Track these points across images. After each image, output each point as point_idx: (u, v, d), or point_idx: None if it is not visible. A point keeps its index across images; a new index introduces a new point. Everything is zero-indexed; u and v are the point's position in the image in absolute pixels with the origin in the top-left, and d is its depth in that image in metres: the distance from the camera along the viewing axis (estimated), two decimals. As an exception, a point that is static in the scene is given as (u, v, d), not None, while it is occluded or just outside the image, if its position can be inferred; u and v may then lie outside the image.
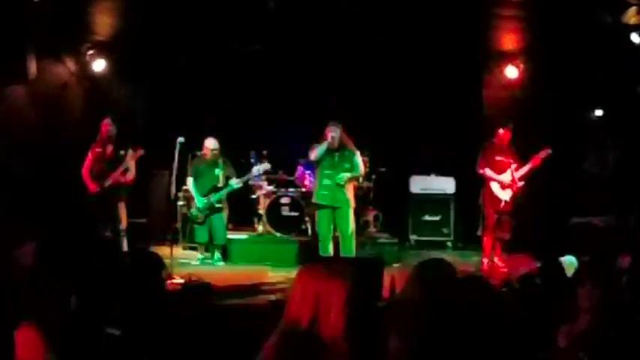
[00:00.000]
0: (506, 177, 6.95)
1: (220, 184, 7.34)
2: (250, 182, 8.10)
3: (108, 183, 6.69)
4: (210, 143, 7.33)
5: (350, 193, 6.77)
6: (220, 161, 7.38)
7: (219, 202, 7.37)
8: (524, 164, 6.92)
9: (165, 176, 7.61)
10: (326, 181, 6.68)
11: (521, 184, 6.93)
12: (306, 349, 1.95)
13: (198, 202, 7.33)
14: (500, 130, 6.95)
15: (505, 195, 6.96)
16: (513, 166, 6.94)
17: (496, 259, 7.11)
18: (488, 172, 6.97)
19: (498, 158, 6.97)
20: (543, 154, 6.82)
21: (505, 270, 6.81)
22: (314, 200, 6.87)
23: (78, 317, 2.36)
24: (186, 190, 7.59)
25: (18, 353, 2.24)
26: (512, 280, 5.85)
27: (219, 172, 7.35)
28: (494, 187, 6.99)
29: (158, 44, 7.96)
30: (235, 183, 7.35)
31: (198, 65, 8.62)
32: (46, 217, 6.85)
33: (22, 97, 6.84)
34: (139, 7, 7.03)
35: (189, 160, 7.51)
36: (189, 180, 7.39)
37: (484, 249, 7.15)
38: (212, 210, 7.34)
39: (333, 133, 6.55)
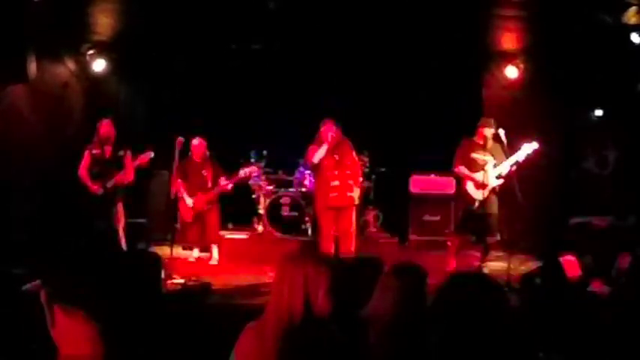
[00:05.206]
0: (480, 176, 6.47)
1: (208, 185, 7.36)
2: (250, 182, 8.10)
3: (111, 184, 6.66)
4: (199, 143, 7.36)
5: (355, 192, 6.75)
6: (208, 162, 7.40)
7: (209, 202, 7.36)
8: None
9: (165, 176, 7.61)
10: (334, 182, 6.65)
11: (499, 182, 6.46)
12: (312, 335, 2.03)
13: (187, 202, 7.33)
14: (482, 128, 6.54)
15: (479, 195, 6.48)
16: (491, 164, 6.46)
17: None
18: (463, 169, 6.57)
19: (475, 156, 6.53)
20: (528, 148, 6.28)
21: None
22: (324, 203, 6.69)
23: None
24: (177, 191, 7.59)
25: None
26: (512, 280, 5.87)
27: (206, 173, 7.37)
28: (469, 186, 6.55)
29: (158, 44, 7.96)
30: (223, 183, 7.34)
31: (198, 65, 8.62)
32: (46, 217, 6.88)
33: (22, 97, 6.83)
34: (139, 7, 7.02)
35: (176, 161, 7.49)
36: (178, 182, 7.35)
37: (448, 249, 6.82)
38: (201, 210, 7.35)
39: (332, 132, 6.57)
